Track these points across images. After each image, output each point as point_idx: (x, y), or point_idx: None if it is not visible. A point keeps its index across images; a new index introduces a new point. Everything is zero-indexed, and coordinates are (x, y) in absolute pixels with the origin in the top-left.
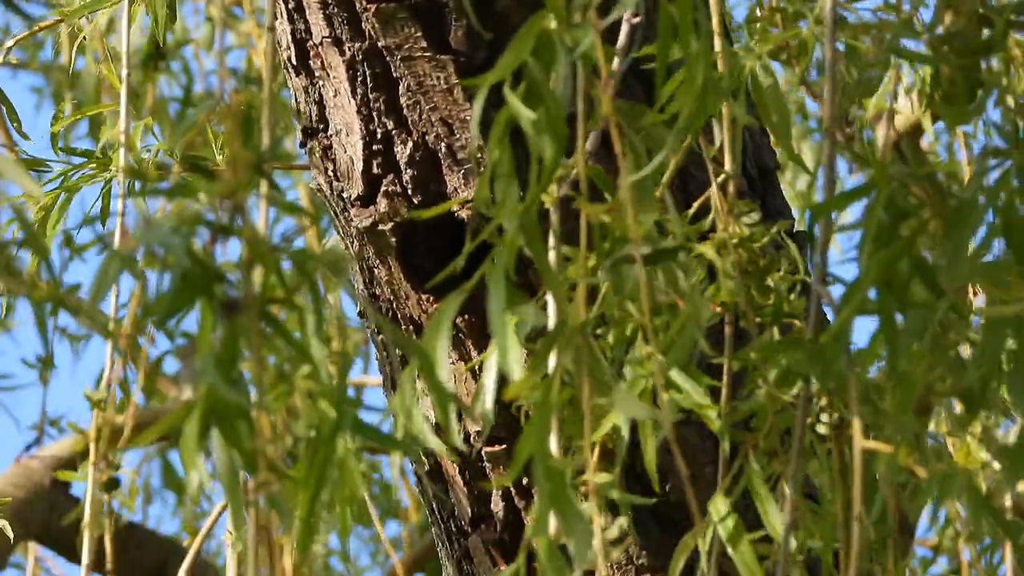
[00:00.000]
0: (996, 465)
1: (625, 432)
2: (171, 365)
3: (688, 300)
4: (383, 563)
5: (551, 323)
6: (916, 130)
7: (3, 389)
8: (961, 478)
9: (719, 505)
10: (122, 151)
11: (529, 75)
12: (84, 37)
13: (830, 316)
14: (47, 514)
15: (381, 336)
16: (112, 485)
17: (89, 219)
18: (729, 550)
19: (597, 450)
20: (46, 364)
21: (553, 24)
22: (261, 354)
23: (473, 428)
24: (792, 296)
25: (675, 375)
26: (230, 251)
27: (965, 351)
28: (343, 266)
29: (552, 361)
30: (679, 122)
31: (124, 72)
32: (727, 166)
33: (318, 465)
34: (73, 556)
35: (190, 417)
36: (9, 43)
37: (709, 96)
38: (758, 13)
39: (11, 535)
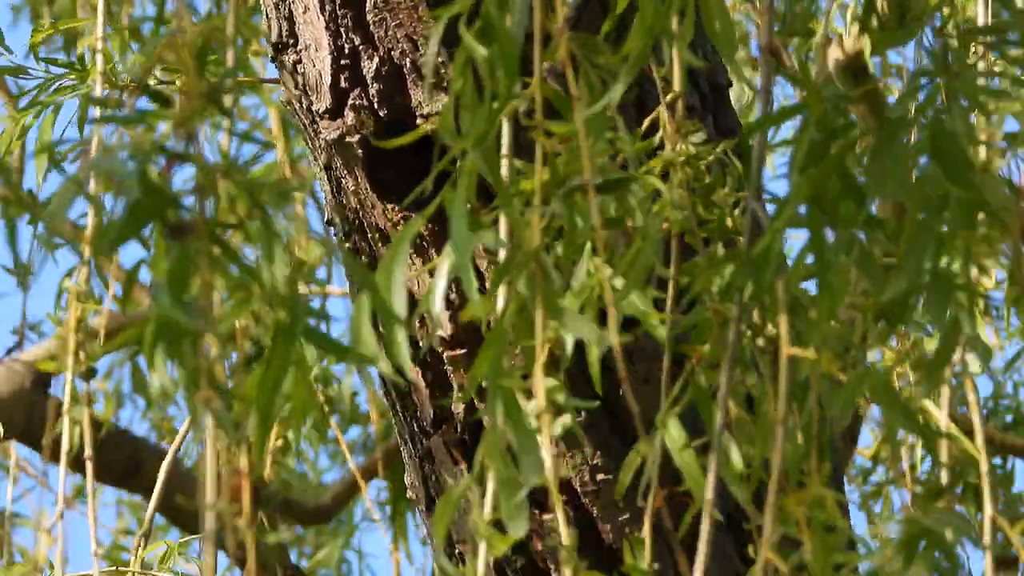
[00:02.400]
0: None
1: (570, 343)
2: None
3: (638, 219)
4: (343, 466)
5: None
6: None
7: None
8: (875, 379)
9: (666, 416)
10: (99, 68)
11: (485, 11)
12: None
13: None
14: (28, 414)
15: (348, 243)
16: (90, 374)
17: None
18: (675, 458)
19: (545, 356)
20: (25, 271)
21: None
22: (210, 276)
23: (438, 333)
24: (736, 212)
25: (621, 284)
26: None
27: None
28: (288, 192)
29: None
30: (629, 60)
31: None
32: (675, 85)
33: (272, 371)
34: (52, 455)
35: (146, 333)
36: None
37: (664, 22)
38: None
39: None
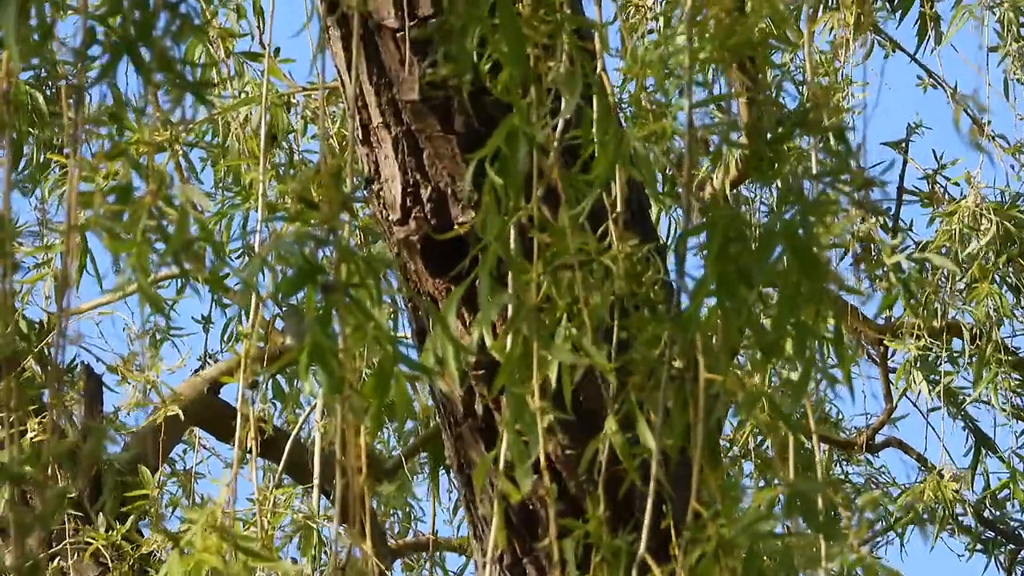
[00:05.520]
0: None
1: (554, 375)
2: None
3: (593, 295)
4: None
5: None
6: (733, 185)
7: (178, 334)
8: (761, 395)
9: (610, 423)
10: (261, 189)
11: (502, 155)
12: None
13: (683, 300)
14: (205, 410)
15: (411, 303)
16: (255, 386)
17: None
18: (618, 453)
19: (538, 386)
20: (207, 320)
21: (518, 122)
22: (344, 317)
23: (466, 360)
24: (656, 288)
25: (585, 343)
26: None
27: (766, 320)
28: (391, 265)
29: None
30: (595, 183)
31: (262, 143)
32: (618, 207)
33: (382, 382)
34: (217, 433)
35: (302, 354)
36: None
37: (616, 165)
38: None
39: (182, 417)
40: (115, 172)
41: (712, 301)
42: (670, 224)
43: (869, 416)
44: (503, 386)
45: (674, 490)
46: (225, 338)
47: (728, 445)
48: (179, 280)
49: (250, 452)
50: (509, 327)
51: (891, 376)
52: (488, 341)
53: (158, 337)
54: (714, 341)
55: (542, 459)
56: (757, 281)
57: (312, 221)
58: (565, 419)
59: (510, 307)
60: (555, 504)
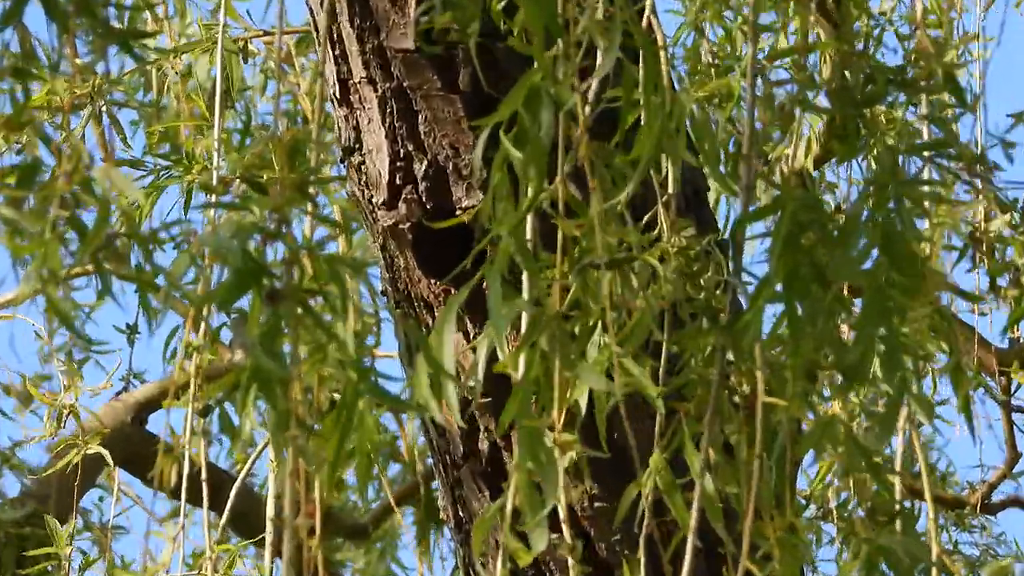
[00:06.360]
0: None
1: (583, 402)
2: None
3: (641, 299)
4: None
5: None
6: (815, 164)
7: (97, 349)
8: (837, 426)
9: (655, 463)
10: (215, 172)
11: (520, 121)
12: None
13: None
14: (127, 444)
15: (400, 310)
16: (206, 411)
17: (166, 225)
18: (664, 498)
19: (562, 403)
20: (132, 330)
21: (541, 79)
22: (297, 333)
23: (469, 383)
24: (718, 292)
25: (626, 362)
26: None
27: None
28: (363, 268)
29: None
30: (641, 163)
31: (217, 100)
32: (670, 189)
33: (343, 421)
34: (146, 479)
35: (241, 380)
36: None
37: (664, 139)
38: (698, 66)
39: (110, 461)
40: (13, 143)
41: (778, 306)
42: (730, 213)
43: (985, 468)
44: (516, 415)
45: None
46: (166, 353)
47: (804, 503)
48: (96, 279)
49: (189, 501)
50: (525, 341)
51: (1015, 417)
52: (498, 359)
53: (75, 354)
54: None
55: (562, 510)
56: (836, 280)
57: (258, 208)
58: (595, 458)
59: (525, 316)
60: (580, 569)
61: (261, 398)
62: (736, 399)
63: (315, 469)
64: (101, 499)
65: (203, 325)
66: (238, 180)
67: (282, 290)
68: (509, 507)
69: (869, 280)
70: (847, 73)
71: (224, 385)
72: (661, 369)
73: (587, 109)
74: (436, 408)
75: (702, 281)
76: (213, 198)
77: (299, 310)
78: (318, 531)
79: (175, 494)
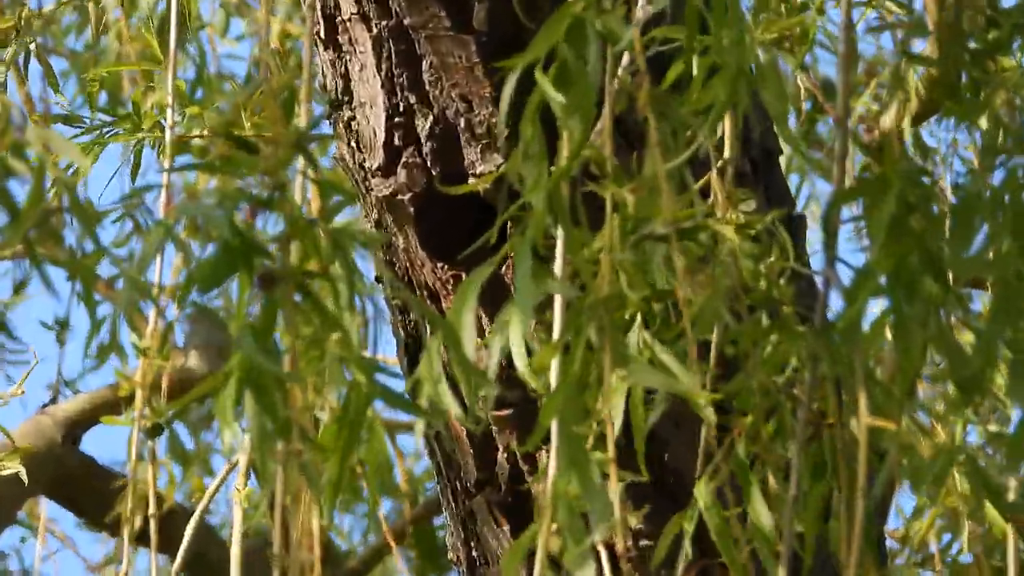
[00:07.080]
0: (989, 450)
1: (618, 412)
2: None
3: (704, 288)
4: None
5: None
6: (914, 121)
7: (17, 354)
8: (957, 454)
9: (703, 489)
10: (168, 128)
11: (561, 59)
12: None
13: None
14: (56, 468)
15: (396, 300)
16: (156, 431)
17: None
18: (713, 536)
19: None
20: (63, 327)
21: (583, 9)
22: (296, 325)
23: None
24: (781, 281)
25: (671, 363)
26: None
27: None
28: (375, 242)
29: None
30: (714, 110)
31: (172, 42)
32: (727, 152)
33: (348, 431)
34: (76, 508)
35: (227, 383)
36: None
37: (740, 84)
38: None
39: (26, 480)
40: None
41: (881, 304)
42: (803, 182)
43: None
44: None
45: None
46: (87, 351)
47: (900, 545)
48: (20, 265)
49: (137, 540)
50: (564, 333)
51: None
52: (521, 361)
53: None
54: (883, 367)
55: (619, 542)
56: (954, 273)
57: (247, 171)
58: (637, 484)
59: (558, 304)
60: None
61: (249, 405)
62: (809, 416)
63: (317, 492)
64: (23, 540)
65: (153, 321)
66: (207, 138)
67: (279, 272)
68: (544, 533)
69: (995, 272)
70: (963, 16)
71: (202, 393)
72: (710, 372)
73: (639, 49)
74: (455, 404)
75: (765, 267)
76: (177, 161)
77: (297, 296)
78: (317, 569)
79: (115, 532)
